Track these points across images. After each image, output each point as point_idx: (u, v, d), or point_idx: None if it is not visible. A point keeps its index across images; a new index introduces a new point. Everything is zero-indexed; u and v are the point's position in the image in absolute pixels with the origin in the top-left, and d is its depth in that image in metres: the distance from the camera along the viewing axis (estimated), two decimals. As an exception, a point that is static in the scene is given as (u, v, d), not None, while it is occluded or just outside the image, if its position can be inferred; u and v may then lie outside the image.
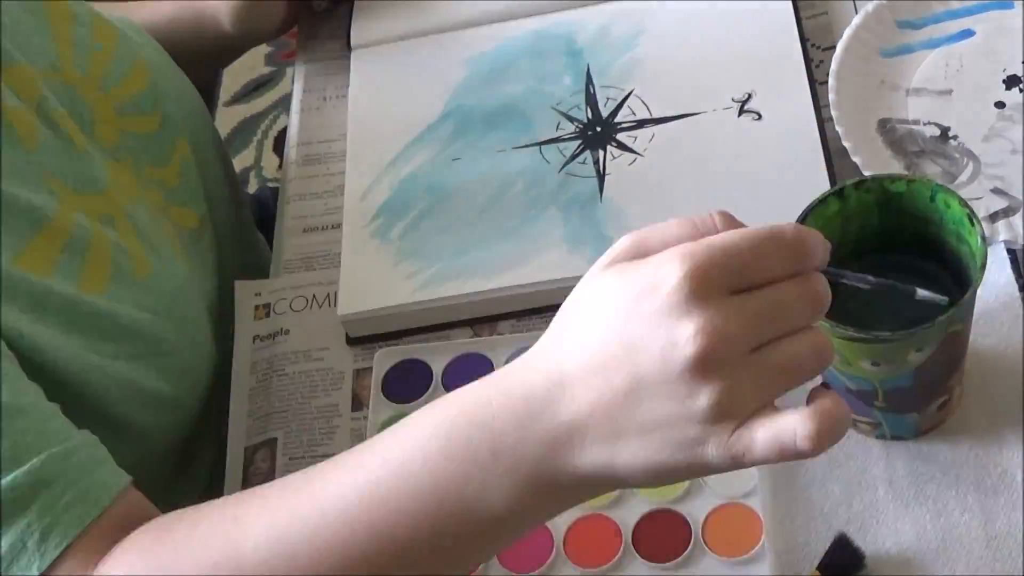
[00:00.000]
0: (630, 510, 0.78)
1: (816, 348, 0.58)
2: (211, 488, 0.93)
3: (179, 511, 0.68)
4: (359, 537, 0.61)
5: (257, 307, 0.94)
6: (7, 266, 0.74)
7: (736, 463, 0.57)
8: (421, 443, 0.61)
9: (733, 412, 0.56)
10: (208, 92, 1.35)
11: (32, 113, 0.81)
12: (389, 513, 0.61)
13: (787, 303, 0.57)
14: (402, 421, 0.63)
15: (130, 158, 0.89)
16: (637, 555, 0.76)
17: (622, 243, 0.60)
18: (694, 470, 0.58)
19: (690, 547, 0.75)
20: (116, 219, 0.84)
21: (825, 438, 0.56)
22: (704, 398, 0.56)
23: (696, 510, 0.77)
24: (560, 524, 0.78)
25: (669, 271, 0.56)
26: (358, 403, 0.88)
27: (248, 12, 1.03)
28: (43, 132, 0.81)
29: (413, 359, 0.88)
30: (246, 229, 1.05)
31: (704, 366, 0.55)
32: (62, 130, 0.82)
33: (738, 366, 0.56)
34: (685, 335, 0.55)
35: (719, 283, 0.56)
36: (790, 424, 0.56)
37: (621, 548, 0.76)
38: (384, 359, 0.88)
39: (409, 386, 0.86)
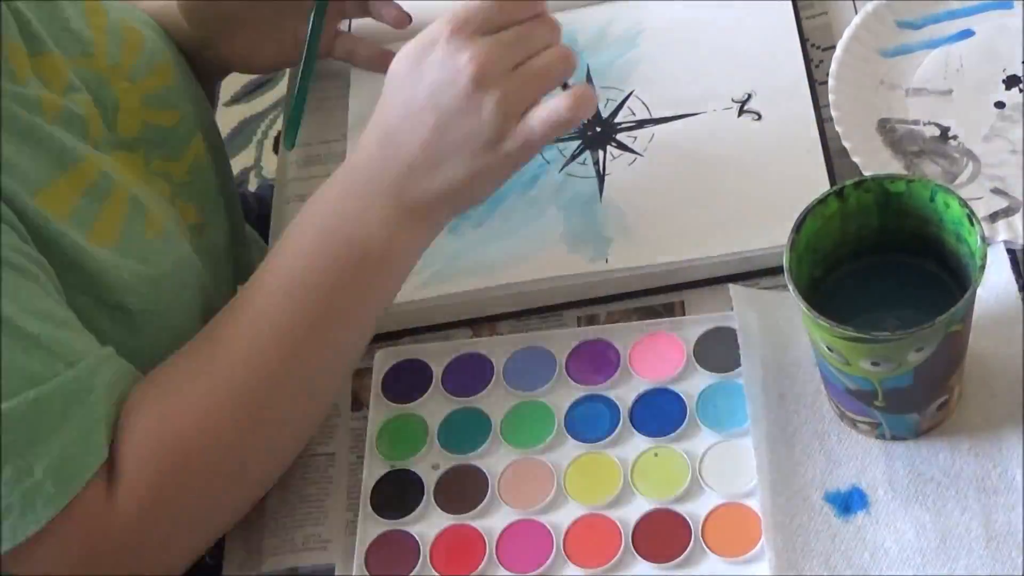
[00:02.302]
0: (630, 510, 0.78)
1: (562, 55, 0.79)
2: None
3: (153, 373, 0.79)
4: (283, 295, 0.79)
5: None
6: (27, 200, 0.77)
7: (528, 146, 0.78)
8: (303, 233, 0.81)
9: (512, 110, 0.77)
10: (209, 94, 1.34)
11: (60, 96, 0.84)
12: (298, 264, 0.80)
13: (529, 33, 0.78)
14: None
15: (143, 149, 0.91)
16: (637, 555, 0.76)
17: None
18: (502, 164, 0.79)
19: (690, 547, 0.75)
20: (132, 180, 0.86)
21: (579, 106, 0.77)
22: (489, 104, 0.76)
23: (696, 510, 0.77)
24: (560, 524, 0.78)
25: (437, 29, 0.78)
26: (358, 403, 0.88)
27: (202, 10, 1.00)
28: (67, 110, 0.84)
29: (413, 359, 0.88)
30: (240, 232, 1.05)
31: (482, 81, 0.76)
32: (82, 115, 0.85)
33: (506, 78, 0.77)
34: (462, 63, 0.76)
35: (476, 27, 0.77)
36: (555, 103, 0.77)
37: (621, 548, 0.76)
38: (384, 359, 0.88)
39: (409, 386, 0.86)
